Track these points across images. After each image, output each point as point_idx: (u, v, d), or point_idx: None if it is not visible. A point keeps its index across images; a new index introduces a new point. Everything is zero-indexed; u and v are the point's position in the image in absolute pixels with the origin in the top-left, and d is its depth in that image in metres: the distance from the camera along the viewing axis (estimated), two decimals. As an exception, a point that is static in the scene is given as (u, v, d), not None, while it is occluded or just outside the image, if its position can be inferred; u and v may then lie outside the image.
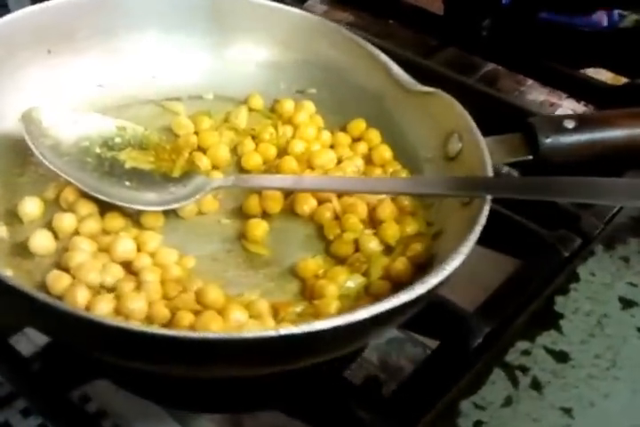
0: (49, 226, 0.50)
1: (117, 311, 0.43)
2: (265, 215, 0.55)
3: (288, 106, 0.64)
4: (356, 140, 0.61)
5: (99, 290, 0.45)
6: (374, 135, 0.61)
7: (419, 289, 0.38)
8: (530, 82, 0.83)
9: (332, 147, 0.60)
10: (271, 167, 0.58)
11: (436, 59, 0.77)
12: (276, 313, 0.46)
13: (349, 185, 0.49)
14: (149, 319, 0.44)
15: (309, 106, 0.64)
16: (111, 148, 0.55)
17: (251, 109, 0.64)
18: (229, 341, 0.34)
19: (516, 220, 0.53)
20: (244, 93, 0.65)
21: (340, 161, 0.59)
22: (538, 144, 0.49)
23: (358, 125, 0.62)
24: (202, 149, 0.59)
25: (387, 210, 0.51)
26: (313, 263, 0.50)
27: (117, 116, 0.58)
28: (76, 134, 0.53)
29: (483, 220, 0.43)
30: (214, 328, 0.41)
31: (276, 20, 0.63)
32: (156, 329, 0.35)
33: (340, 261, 0.51)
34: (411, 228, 0.51)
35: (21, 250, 0.48)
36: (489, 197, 0.44)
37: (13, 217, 0.50)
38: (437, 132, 0.55)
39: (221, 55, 0.65)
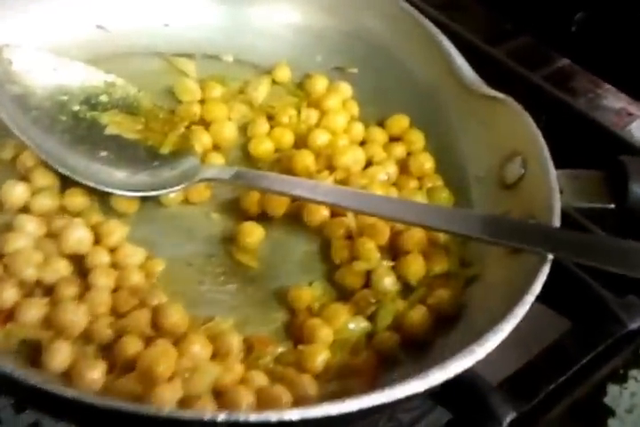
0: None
1: (48, 322, 0.35)
2: (264, 217, 0.46)
3: (320, 84, 0.54)
4: (393, 139, 0.52)
5: (32, 289, 0.37)
6: (417, 138, 0.51)
7: (435, 376, 0.29)
8: (607, 85, 0.71)
9: (362, 144, 0.51)
10: (283, 158, 0.49)
11: (506, 46, 0.66)
12: (248, 351, 0.38)
13: (371, 205, 0.39)
14: (86, 338, 0.36)
15: (345, 88, 0.54)
16: (93, 107, 0.46)
17: (274, 82, 0.55)
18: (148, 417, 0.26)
19: (575, 274, 0.44)
20: (270, 61, 0.55)
21: (368, 163, 0.50)
22: (627, 191, 0.39)
23: (400, 122, 0.52)
24: (204, 123, 0.50)
25: (413, 239, 0.42)
26: (308, 293, 0.41)
27: (110, 69, 0.49)
28: (54, 85, 0.45)
29: (536, 288, 0.34)
30: (161, 368, 0.33)
31: None
32: (71, 392, 0.27)
33: (344, 294, 0.42)
34: (440, 266, 0.42)
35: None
36: (550, 256, 0.35)
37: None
38: (496, 149, 0.46)
39: (247, 10, 0.56)
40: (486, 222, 0.38)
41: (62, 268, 0.38)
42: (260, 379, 0.35)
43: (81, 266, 0.40)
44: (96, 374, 0.33)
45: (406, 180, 0.49)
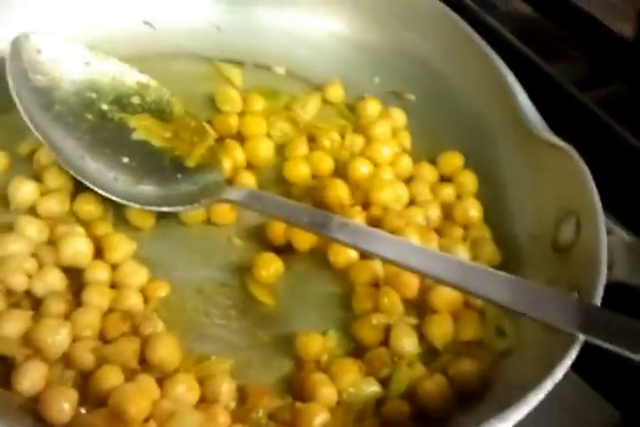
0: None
1: (26, 339, 0.34)
2: (288, 249, 0.44)
3: (372, 108, 0.52)
4: (443, 179, 0.49)
5: (20, 299, 0.36)
6: (469, 180, 0.48)
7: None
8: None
9: (407, 180, 0.48)
10: (318, 186, 0.47)
11: (597, 94, 0.62)
12: (242, 400, 0.36)
13: (396, 252, 0.36)
14: (65, 362, 0.34)
15: (399, 116, 0.52)
16: (123, 108, 0.45)
17: (324, 100, 0.53)
18: None
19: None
20: (323, 77, 0.54)
21: (410, 202, 0.47)
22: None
23: (452, 161, 0.50)
24: (240, 138, 0.48)
25: (445, 296, 0.39)
26: (319, 342, 0.39)
27: (150, 69, 0.48)
28: (83, 80, 0.44)
29: (560, 373, 0.30)
30: (134, 408, 0.31)
31: None
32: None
33: (358, 349, 0.40)
34: (471, 333, 0.39)
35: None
36: (581, 338, 0.32)
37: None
38: (552, 206, 0.43)
39: (306, 21, 0.54)
40: (516, 288, 0.35)
41: (56, 280, 0.37)
42: (245, 435, 0.33)
43: (77, 281, 0.38)
44: (65, 404, 0.32)
45: (450, 227, 0.46)
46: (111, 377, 0.33)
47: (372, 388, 0.37)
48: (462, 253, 0.44)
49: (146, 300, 0.39)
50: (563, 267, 0.41)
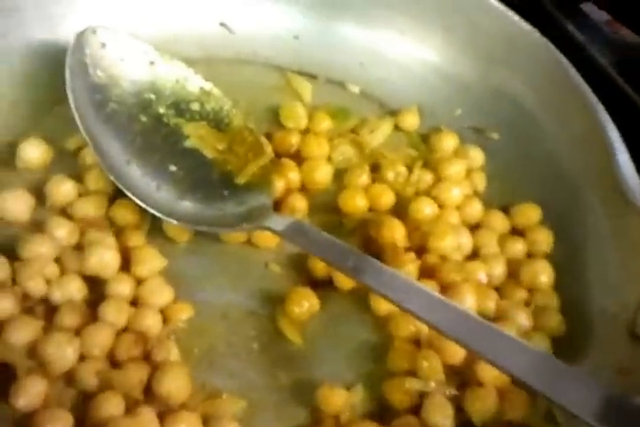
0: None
1: (32, 349, 0.33)
2: (328, 285, 0.42)
3: (449, 143, 0.50)
4: (515, 232, 0.46)
5: (34, 305, 0.35)
6: (544, 238, 0.45)
7: None
8: None
9: (474, 228, 0.46)
10: (372, 222, 0.45)
11: None
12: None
13: (438, 317, 0.33)
14: (67, 380, 0.33)
15: (477, 156, 0.49)
16: (180, 113, 0.44)
17: (397, 127, 0.51)
18: None
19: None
20: (399, 102, 0.52)
21: (473, 253, 0.44)
22: None
23: (529, 213, 0.46)
24: (298, 157, 0.47)
25: (493, 370, 0.36)
26: (342, 398, 0.37)
27: (216, 73, 0.48)
28: (145, 80, 0.44)
29: None
30: None
31: (462, 15, 0.49)
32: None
33: (383, 410, 0.37)
34: (516, 412, 0.36)
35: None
36: None
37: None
38: (636, 284, 0.39)
39: (390, 39, 0.52)
40: (537, 361, 0.32)
41: (75, 290, 0.36)
42: None
43: (97, 291, 0.37)
44: (58, 428, 0.30)
45: (513, 288, 0.43)
46: (112, 405, 0.32)
47: None
48: (522, 320, 0.41)
49: (165, 321, 0.38)
50: (637, 357, 0.38)
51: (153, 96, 0.44)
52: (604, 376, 0.39)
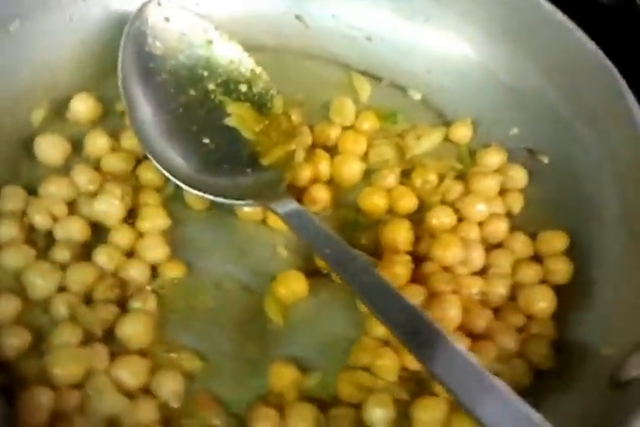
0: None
1: (18, 274, 0.39)
2: (328, 276, 0.45)
3: (494, 159, 0.50)
4: (536, 257, 0.46)
5: (36, 238, 0.41)
6: (561, 268, 0.45)
7: None
8: None
9: (495, 247, 0.46)
10: (382, 224, 0.46)
11: None
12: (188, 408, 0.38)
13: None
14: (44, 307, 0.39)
15: (520, 176, 0.49)
16: (228, 92, 0.49)
17: (447, 138, 0.52)
18: None
19: None
20: (459, 113, 0.53)
21: (482, 271, 0.45)
22: None
23: (553, 241, 0.46)
24: (332, 151, 0.50)
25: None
26: (290, 377, 0.40)
27: (281, 63, 0.53)
28: (201, 56, 0.49)
29: None
30: (60, 371, 0.35)
31: (529, 30, 0.49)
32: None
33: (332, 400, 0.39)
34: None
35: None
36: None
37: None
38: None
39: (457, 50, 0.53)
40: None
41: (77, 230, 0.42)
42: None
43: (101, 240, 0.43)
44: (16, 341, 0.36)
45: (511, 312, 0.44)
46: (69, 334, 0.37)
47: None
48: (507, 343, 0.42)
49: (156, 276, 0.42)
50: (613, 402, 0.37)
51: (206, 73, 0.49)
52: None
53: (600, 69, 0.47)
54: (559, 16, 0.48)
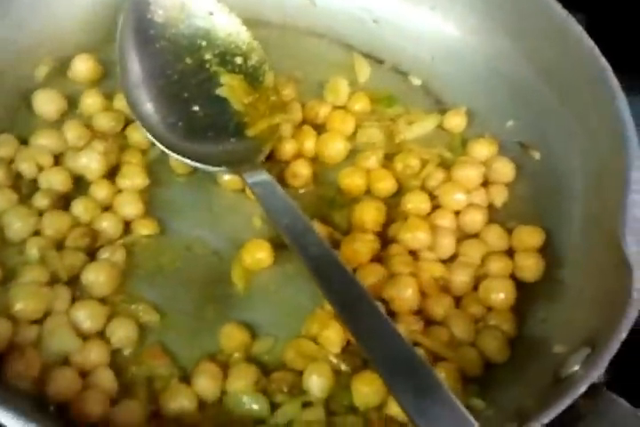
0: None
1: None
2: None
3: (484, 151, 0.51)
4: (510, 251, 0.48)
5: (21, 185, 0.45)
6: (532, 267, 0.46)
7: None
8: None
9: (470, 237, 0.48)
10: (362, 203, 0.48)
11: None
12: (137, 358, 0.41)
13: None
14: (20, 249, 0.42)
15: (507, 171, 0.50)
16: (223, 63, 0.51)
17: (440, 126, 0.53)
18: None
19: None
20: (457, 102, 0.54)
21: (452, 259, 0.47)
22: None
23: (530, 237, 0.47)
24: (321, 129, 0.52)
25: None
26: (239, 339, 0.42)
27: (284, 40, 0.55)
28: (202, 27, 0.51)
29: None
30: (21, 306, 0.39)
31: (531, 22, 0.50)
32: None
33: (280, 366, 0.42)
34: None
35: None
36: None
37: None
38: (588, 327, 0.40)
39: (464, 41, 0.54)
40: None
41: (59, 181, 0.45)
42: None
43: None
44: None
45: (471, 301, 0.45)
46: (35, 275, 0.40)
47: (255, 405, 0.39)
48: (458, 332, 0.43)
49: (129, 232, 0.45)
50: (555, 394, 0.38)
51: (204, 43, 0.51)
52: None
53: (596, 69, 0.48)
54: (559, 9, 0.49)
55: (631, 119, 0.45)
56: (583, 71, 0.48)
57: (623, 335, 0.38)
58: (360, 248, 0.44)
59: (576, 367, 0.38)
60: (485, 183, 0.50)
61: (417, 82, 0.56)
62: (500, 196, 0.50)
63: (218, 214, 0.49)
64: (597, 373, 0.36)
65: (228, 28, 0.52)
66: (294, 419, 0.39)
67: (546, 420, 0.35)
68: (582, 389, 0.36)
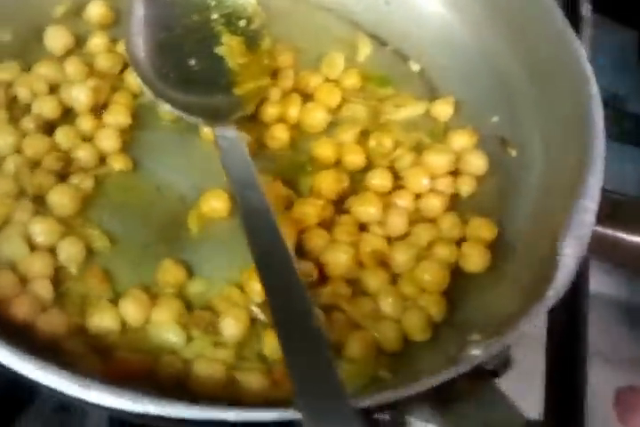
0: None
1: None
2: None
3: (459, 141, 0.54)
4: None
5: (19, 111, 0.51)
6: (476, 259, 0.49)
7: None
8: None
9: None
10: (324, 171, 0.52)
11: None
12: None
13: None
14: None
15: (479, 164, 0.53)
16: (228, 24, 0.56)
17: (427, 113, 0.57)
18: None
19: None
20: (450, 93, 0.57)
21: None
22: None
23: (482, 229, 0.50)
24: (309, 98, 0.56)
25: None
26: (174, 274, 0.47)
27: (292, 12, 0.60)
28: (210, -14, 0.56)
29: None
30: None
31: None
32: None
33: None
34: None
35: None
36: None
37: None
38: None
39: (471, 33, 0.58)
40: None
41: (49, 108, 0.50)
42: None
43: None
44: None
45: (407, 283, 0.48)
46: (3, 186, 0.46)
47: (173, 337, 0.44)
48: (385, 306, 0.47)
49: (101, 164, 0.51)
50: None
51: (214, 3, 0.56)
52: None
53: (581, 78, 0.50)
54: (557, 12, 0.52)
55: (602, 132, 0.48)
56: (569, 79, 0.51)
57: (522, 329, 0.41)
58: (308, 211, 0.49)
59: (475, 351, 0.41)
60: (456, 173, 0.54)
61: (415, 67, 0.59)
62: (467, 186, 0.53)
63: (193, 163, 0.54)
64: (483, 358, 0.39)
65: (238, -9, 0.56)
66: (203, 354, 0.44)
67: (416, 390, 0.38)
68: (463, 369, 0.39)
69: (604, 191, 0.46)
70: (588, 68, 0.50)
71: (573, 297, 0.56)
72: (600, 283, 0.61)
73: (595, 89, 0.49)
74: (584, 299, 0.57)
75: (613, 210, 0.47)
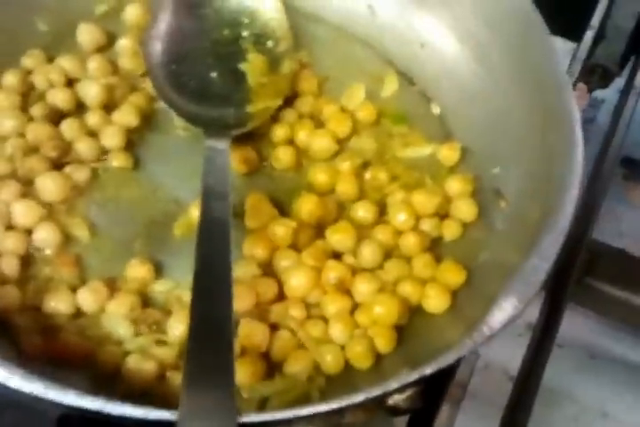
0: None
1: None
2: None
3: (455, 186, 0.56)
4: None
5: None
6: (436, 304, 0.51)
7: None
8: None
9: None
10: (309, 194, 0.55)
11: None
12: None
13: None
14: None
15: (469, 210, 0.55)
16: (256, 43, 0.60)
17: (434, 155, 0.59)
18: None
19: None
20: (464, 140, 0.59)
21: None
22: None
23: (453, 274, 0.51)
24: (320, 124, 0.59)
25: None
26: (143, 269, 0.51)
27: (335, 43, 0.64)
28: (248, 6, 0.60)
29: None
30: None
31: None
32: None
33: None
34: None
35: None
36: None
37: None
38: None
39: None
40: None
41: (61, 98, 0.55)
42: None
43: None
44: None
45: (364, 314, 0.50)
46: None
47: (121, 329, 0.48)
48: (335, 332, 0.49)
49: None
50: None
51: (247, 20, 0.61)
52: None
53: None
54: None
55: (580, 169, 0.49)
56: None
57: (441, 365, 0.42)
58: (279, 232, 0.52)
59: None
60: (444, 217, 0.56)
61: (436, 110, 0.62)
62: (452, 232, 0.55)
63: (195, 171, 0.56)
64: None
65: (273, 13, 0.61)
66: (144, 350, 0.47)
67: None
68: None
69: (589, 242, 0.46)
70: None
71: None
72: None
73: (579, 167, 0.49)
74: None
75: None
